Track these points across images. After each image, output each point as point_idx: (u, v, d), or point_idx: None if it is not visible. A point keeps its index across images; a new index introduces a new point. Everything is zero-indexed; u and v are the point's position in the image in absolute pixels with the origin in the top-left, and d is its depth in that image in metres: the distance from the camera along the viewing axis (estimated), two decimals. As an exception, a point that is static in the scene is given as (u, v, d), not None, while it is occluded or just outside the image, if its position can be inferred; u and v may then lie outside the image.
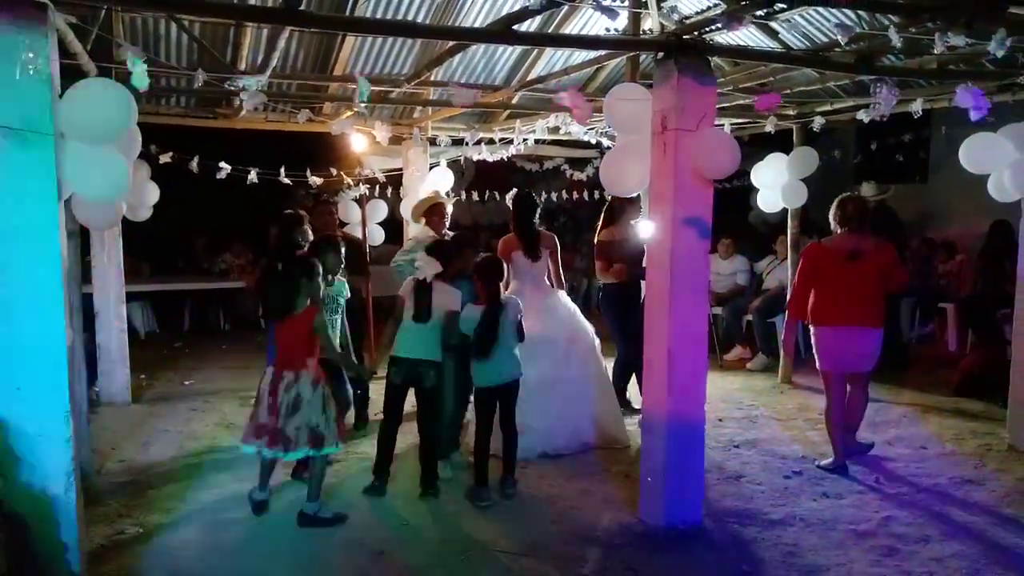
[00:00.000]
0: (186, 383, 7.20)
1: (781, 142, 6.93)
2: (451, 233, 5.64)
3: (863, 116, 4.75)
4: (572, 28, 5.87)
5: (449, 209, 5.84)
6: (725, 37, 4.77)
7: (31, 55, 2.66)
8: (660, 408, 3.88)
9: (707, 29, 3.73)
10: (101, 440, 5.27)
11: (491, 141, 7.16)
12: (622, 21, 4.45)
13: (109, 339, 6.29)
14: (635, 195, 5.19)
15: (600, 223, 6.18)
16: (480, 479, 4.36)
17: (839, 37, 3.47)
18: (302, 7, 5.05)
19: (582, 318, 5.46)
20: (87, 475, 4.51)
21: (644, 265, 5.73)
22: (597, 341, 5.45)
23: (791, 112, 6.50)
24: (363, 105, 5.73)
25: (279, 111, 6.53)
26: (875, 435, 5.33)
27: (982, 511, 4.16)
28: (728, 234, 8.33)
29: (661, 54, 3.78)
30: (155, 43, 5.61)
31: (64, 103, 2.78)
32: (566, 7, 4.97)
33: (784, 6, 3.31)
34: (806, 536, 3.87)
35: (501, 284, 4.49)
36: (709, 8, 4.32)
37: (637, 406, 5.20)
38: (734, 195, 8.99)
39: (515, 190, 5.69)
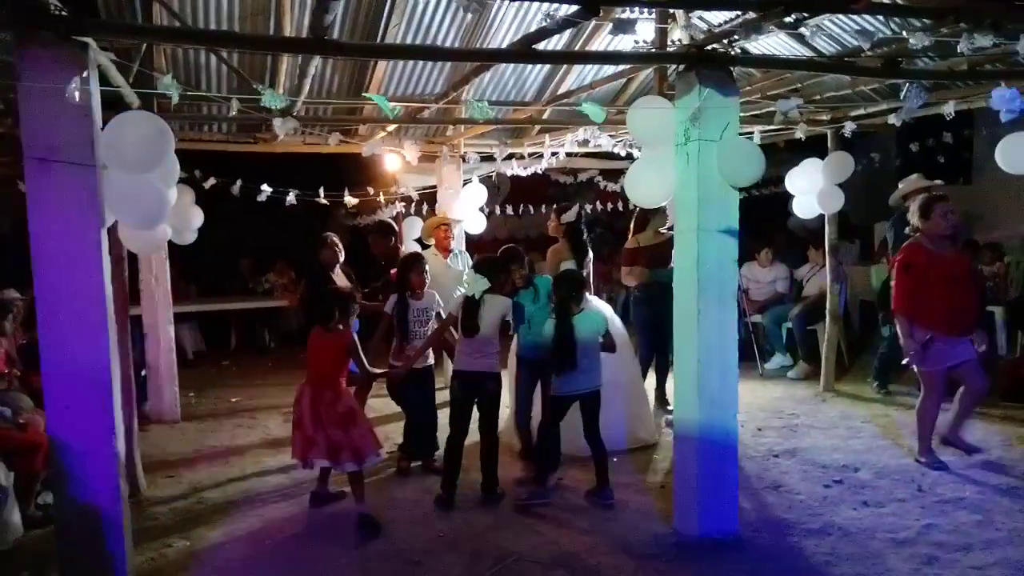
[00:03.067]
0: (233, 400, 7.40)
1: (817, 147, 6.87)
2: (456, 251, 6.41)
3: (894, 120, 4.70)
4: (600, 42, 5.92)
5: (455, 230, 6.57)
6: (755, 45, 4.80)
7: (73, 91, 2.81)
8: (691, 417, 3.89)
9: (731, 39, 3.74)
10: (151, 457, 5.45)
11: (522, 156, 7.25)
12: (649, 33, 4.50)
13: (158, 359, 6.51)
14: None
15: (631, 231, 6.37)
16: (541, 479, 4.54)
17: (861, 43, 3.46)
18: (336, 30, 5.26)
19: (617, 322, 5.59)
20: (136, 491, 4.71)
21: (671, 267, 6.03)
22: (630, 346, 5.57)
23: (825, 117, 6.44)
24: (393, 126, 5.88)
25: (315, 134, 6.75)
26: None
27: (1028, 519, 4.06)
28: (768, 242, 8.26)
29: (683, 66, 3.80)
30: (196, 72, 5.81)
31: (105, 135, 2.93)
32: (592, 23, 5.02)
33: (803, 15, 3.31)
34: (844, 545, 3.82)
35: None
36: (733, 19, 4.32)
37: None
38: (774, 201, 8.91)
39: (563, 209, 5.90)
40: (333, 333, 4.32)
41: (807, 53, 5.08)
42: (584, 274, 5.64)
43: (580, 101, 3.67)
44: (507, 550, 3.91)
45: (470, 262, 6.62)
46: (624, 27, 3.11)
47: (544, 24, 3.28)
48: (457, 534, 4.12)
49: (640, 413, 5.52)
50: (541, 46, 3.79)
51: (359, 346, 4.40)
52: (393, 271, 5.34)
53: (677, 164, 3.87)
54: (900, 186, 6.77)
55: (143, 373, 6.55)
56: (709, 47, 3.80)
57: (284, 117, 3.64)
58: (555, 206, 6.09)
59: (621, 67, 5.12)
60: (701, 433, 3.85)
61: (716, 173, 3.76)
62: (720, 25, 4.77)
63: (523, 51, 3.70)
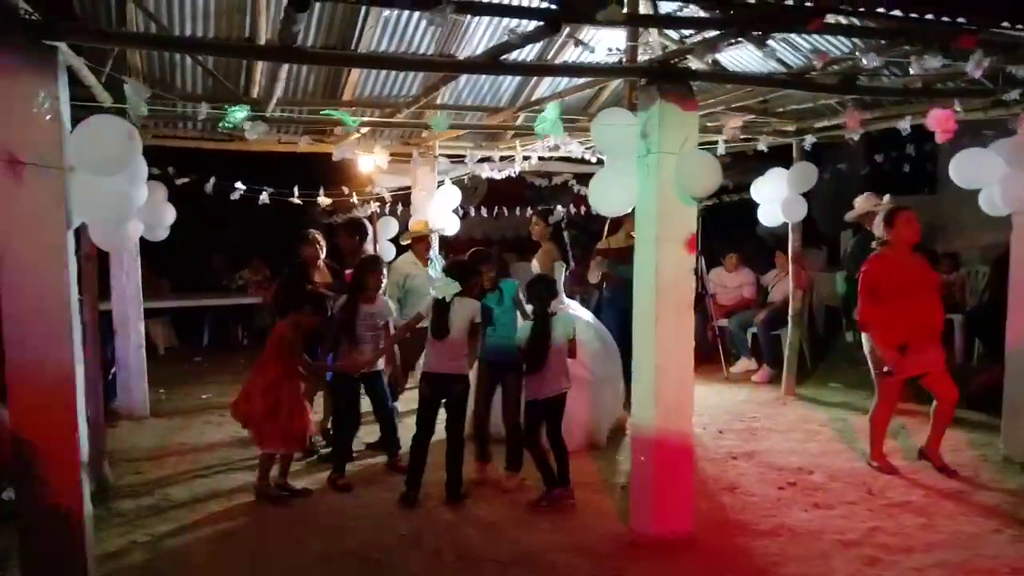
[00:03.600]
0: (203, 397, 7.42)
1: (785, 156, 7.01)
2: (435, 260, 6.40)
3: (850, 135, 4.84)
4: (570, 53, 6.01)
5: (434, 241, 6.83)
6: (724, 56, 4.91)
7: (43, 94, 2.86)
8: (648, 421, 4.00)
9: (688, 56, 3.86)
10: (118, 453, 5.49)
11: (495, 160, 7.36)
12: (620, 42, 4.58)
13: (127, 355, 6.53)
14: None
15: (604, 234, 6.63)
16: (559, 480, 4.58)
17: (814, 62, 3.59)
18: (312, 33, 5.32)
19: (597, 325, 5.89)
20: (103, 487, 4.76)
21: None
22: (599, 347, 5.74)
23: (790, 128, 6.59)
24: (367, 128, 5.96)
25: (290, 134, 6.80)
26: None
27: (970, 522, 4.21)
28: (734, 248, 8.43)
29: (644, 80, 3.91)
30: (171, 70, 5.84)
31: (74, 137, 2.98)
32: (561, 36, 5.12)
33: (757, 34, 3.42)
34: (792, 546, 3.96)
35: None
36: (692, 35, 4.44)
37: None
38: (741, 209, 9.08)
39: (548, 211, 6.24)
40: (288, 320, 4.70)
41: (773, 65, 5.22)
42: (565, 275, 5.81)
43: (539, 119, 3.74)
44: (467, 549, 4.01)
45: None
46: (584, 46, 3.21)
47: (508, 39, 3.37)
48: (419, 533, 4.21)
49: (596, 414, 5.62)
50: (513, 56, 3.88)
51: (291, 341, 4.70)
52: (348, 272, 5.40)
53: (638, 175, 3.97)
54: (856, 204, 6.95)
55: (112, 371, 6.57)
56: (673, 60, 3.91)
57: (254, 121, 3.70)
58: (538, 209, 6.23)
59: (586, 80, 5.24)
60: (657, 437, 3.97)
61: (675, 185, 3.88)
62: (687, 37, 4.89)
63: (489, 63, 3.79)
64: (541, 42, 5.73)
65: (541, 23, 3.17)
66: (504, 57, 3.75)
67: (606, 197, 4.13)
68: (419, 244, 6.56)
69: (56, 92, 2.92)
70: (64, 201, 2.94)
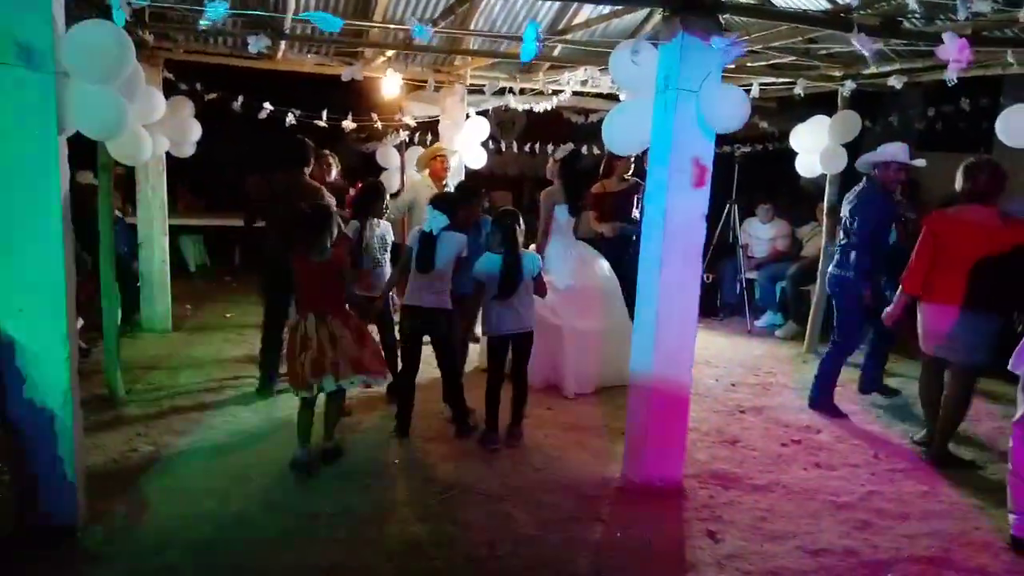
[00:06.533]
0: (227, 316, 7.54)
1: (830, 105, 6.68)
2: (452, 182, 6.04)
3: (894, 82, 4.56)
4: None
5: (452, 162, 6.41)
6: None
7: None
8: (646, 368, 3.92)
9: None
10: (134, 363, 5.62)
11: (522, 91, 7.17)
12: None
13: (151, 269, 6.63)
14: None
15: (599, 176, 6.43)
16: (491, 424, 4.53)
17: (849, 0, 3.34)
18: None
19: (607, 267, 5.86)
20: (113, 395, 4.89)
21: (633, 218, 6.03)
22: (612, 290, 5.78)
23: (837, 73, 6.25)
24: (392, 52, 5.81)
25: (321, 55, 6.70)
26: (894, 416, 5.33)
27: (974, 494, 4.08)
28: (768, 198, 8.15)
29: (667, 11, 3.70)
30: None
31: (66, 41, 2.93)
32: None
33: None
34: (783, 503, 3.89)
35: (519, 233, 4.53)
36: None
37: None
38: (783, 158, 8.74)
39: (561, 149, 5.96)
40: (321, 259, 4.09)
41: (826, 4, 4.87)
42: (569, 215, 5.67)
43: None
44: (457, 480, 4.03)
45: None
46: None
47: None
48: (411, 462, 4.24)
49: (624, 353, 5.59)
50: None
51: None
52: (348, 196, 5.36)
53: (654, 112, 3.80)
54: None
55: (138, 283, 6.70)
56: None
57: (258, 34, 3.60)
58: (555, 147, 6.08)
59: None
60: (654, 384, 3.89)
61: (693, 124, 3.69)
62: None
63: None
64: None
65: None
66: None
67: (620, 134, 3.96)
68: (434, 162, 6.45)
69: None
70: (54, 106, 2.90)
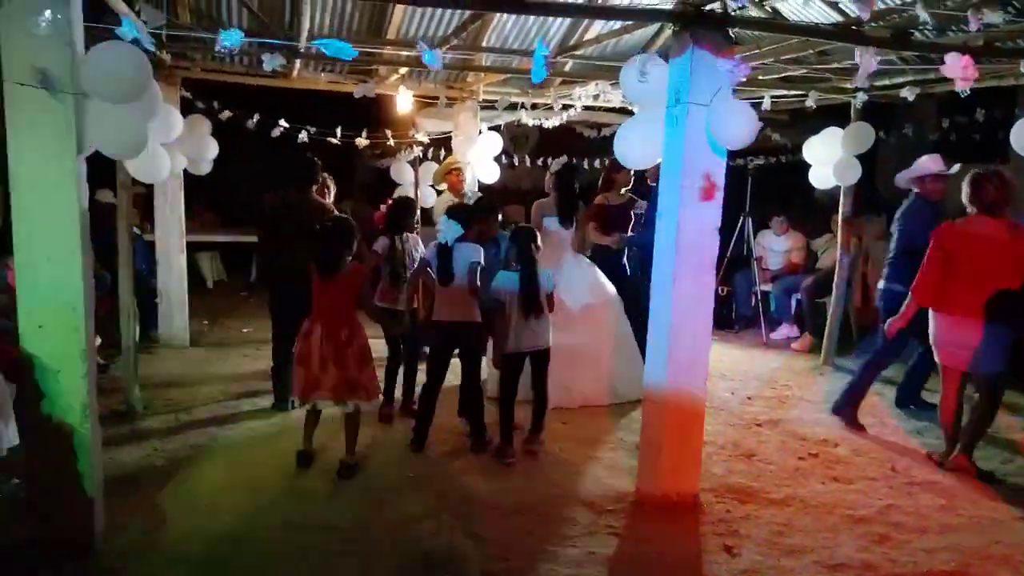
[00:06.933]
0: (244, 331, 7.60)
1: (843, 117, 6.67)
2: (470, 194, 6.13)
3: (906, 93, 4.55)
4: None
5: (468, 175, 6.58)
6: (784, 6, 4.60)
7: (57, 16, 2.86)
8: (660, 381, 3.91)
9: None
10: (152, 379, 5.67)
11: (534, 107, 7.21)
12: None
13: (169, 285, 6.70)
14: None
15: (599, 189, 6.41)
16: (506, 438, 4.53)
17: (859, 14, 3.35)
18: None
19: (604, 282, 5.74)
20: (132, 411, 4.94)
21: (630, 232, 6.06)
22: (619, 303, 5.75)
23: (849, 85, 6.24)
24: (403, 70, 5.87)
25: (335, 72, 6.77)
26: (909, 423, 5.27)
27: (994, 508, 4.02)
28: (782, 210, 8.13)
29: (677, 26, 3.72)
30: (216, 6, 5.84)
31: (85, 63, 2.99)
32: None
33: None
34: (800, 517, 3.85)
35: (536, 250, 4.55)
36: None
37: None
38: (797, 171, 8.72)
39: (556, 162, 5.89)
40: (338, 275, 4.14)
41: (836, 16, 4.88)
42: (574, 229, 5.68)
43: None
44: (472, 494, 4.03)
45: None
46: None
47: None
48: (426, 476, 4.25)
49: (624, 369, 5.56)
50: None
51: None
52: (379, 214, 5.42)
53: (665, 126, 3.81)
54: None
55: (156, 300, 6.77)
56: (709, 5, 3.70)
57: (273, 52, 3.66)
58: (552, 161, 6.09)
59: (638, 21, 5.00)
60: (668, 397, 3.88)
61: (704, 138, 3.71)
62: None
63: (514, 1, 3.64)
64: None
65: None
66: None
67: (631, 148, 3.97)
68: (450, 176, 6.61)
69: (69, 15, 2.91)
70: (74, 126, 2.96)
